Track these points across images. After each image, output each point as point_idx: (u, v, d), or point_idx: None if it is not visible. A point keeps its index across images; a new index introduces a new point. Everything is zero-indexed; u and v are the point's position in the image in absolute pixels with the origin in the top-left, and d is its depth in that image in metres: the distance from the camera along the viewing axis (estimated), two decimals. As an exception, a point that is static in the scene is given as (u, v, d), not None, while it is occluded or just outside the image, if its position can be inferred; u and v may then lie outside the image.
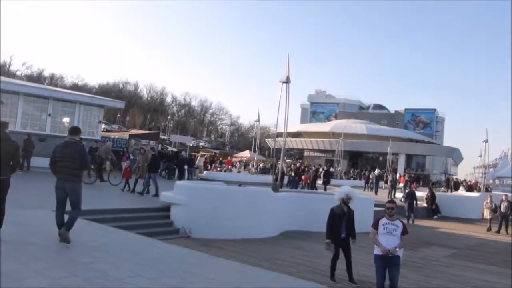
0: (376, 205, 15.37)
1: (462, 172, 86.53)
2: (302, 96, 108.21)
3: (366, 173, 37.94)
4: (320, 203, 14.57)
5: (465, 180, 46.55)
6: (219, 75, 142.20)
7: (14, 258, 5.32)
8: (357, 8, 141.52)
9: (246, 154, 50.39)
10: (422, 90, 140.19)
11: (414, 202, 19.47)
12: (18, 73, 77.65)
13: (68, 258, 5.61)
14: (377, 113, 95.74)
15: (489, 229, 18.14)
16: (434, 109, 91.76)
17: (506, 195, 19.07)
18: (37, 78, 75.38)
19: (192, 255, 6.82)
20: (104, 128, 37.84)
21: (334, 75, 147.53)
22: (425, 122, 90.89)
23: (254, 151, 36.00)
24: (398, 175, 39.06)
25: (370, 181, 32.69)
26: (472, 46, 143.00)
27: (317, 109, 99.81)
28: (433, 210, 22.58)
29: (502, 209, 17.72)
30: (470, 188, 35.02)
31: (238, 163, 46.61)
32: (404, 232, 6.36)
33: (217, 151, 59.32)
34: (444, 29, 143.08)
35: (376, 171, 32.47)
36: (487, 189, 36.18)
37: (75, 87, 72.49)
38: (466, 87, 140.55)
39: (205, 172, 27.35)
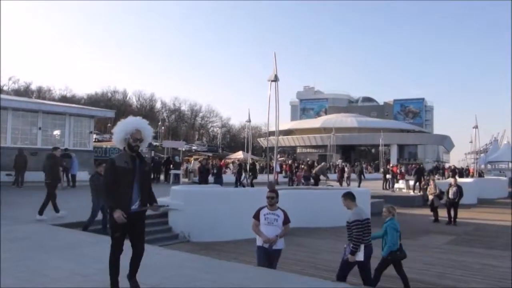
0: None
1: (454, 159, 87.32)
2: (291, 93, 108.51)
3: (339, 165, 32.05)
4: (318, 199, 14.63)
5: (462, 167, 46.38)
6: (207, 77, 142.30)
7: (15, 275, 5.27)
8: (339, 1, 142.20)
9: (239, 155, 50.26)
10: (410, 80, 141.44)
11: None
12: (5, 88, 76.66)
13: (70, 271, 5.55)
14: (367, 106, 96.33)
15: (436, 220, 15.82)
16: (423, 99, 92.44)
17: (455, 179, 16.76)
18: (25, 92, 74.61)
19: (194, 259, 6.80)
20: (95, 138, 37.59)
21: (321, 70, 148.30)
22: (414, 112, 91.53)
23: (247, 152, 35.95)
24: (391, 165, 39.05)
25: (345, 175, 29.44)
26: (455, 31, 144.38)
27: (306, 105, 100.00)
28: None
29: (450, 195, 15.29)
30: (461, 174, 35.22)
31: (231, 164, 46.48)
32: (286, 221, 6.14)
33: (210, 154, 59.13)
34: (426, 17, 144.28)
35: (339, 161, 29.97)
36: (480, 174, 36.48)
37: (63, 99, 71.82)
38: (452, 74, 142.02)
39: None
